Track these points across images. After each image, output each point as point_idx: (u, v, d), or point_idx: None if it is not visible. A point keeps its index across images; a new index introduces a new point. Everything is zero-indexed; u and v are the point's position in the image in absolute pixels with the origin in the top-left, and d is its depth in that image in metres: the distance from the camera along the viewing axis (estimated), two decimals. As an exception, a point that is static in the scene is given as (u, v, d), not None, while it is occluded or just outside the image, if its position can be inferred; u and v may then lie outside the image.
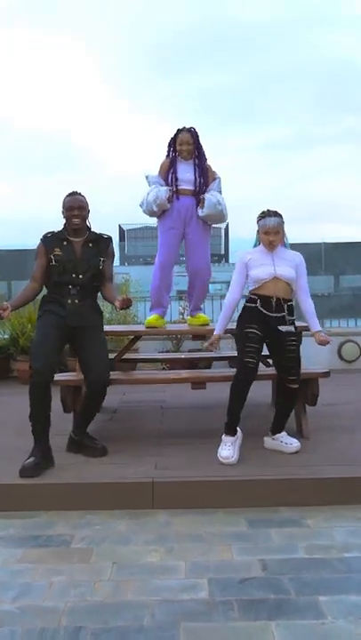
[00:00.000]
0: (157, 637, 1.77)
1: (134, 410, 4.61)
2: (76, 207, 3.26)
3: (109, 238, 3.43)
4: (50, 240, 3.30)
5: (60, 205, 3.34)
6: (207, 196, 3.75)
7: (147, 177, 3.94)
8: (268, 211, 3.24)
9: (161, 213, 3.84)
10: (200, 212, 3.77)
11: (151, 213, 3.87)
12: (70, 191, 3.35)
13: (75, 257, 3.25)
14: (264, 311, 3.18)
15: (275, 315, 3.18)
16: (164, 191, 3.76)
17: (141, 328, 3.96)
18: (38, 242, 3.34)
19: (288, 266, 3.22)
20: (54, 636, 1.78)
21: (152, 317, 3.90)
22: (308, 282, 3.37)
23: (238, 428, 3.16)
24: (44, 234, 3.34)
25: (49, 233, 3.34)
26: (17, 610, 1.94)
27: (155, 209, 3.80)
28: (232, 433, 3.14)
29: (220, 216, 3.85)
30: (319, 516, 2.63)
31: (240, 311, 3.32)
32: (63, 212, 3.32)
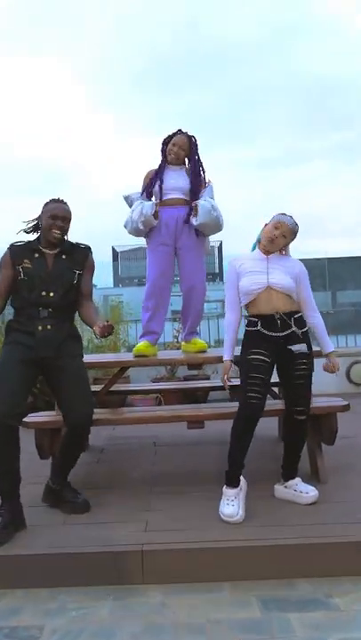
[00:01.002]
0: None
1: (124, 448, 4.09)
2: (60, 217, 2.76)
3: (87, 248, 2.90)
4: (18, 250, 2.78)
5: (40, 211, 2.83)
6: (200, 202, 3.29)
7: (126, 197, 3.48)
8: (289, 214, 2.82)
9: (148, 230, 3.38)
10: (194, 222, 3.29)
11: (137, 232, 3.40)
12: (55, 197, 2.84)
13: (46, 271, 2.75)
14: (268, 333, 2.71)
15: (282, 334, 2.71)
16: (148, 206, 3.30)
17: (130, 357, 3.47)
18: (5, 251, 2.81)
19: (284, 273, 2.74)
20: None
21: (142, 345, 3.41)
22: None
23: (242, 482, 2.65)
24: (11, 243, 2.82)
25: (18, 242, 2.83)
26: None
27: (140, 227, 3.33)
28: (234, 484, 2.63)
29: (217, 224, 3.37)
30: (351, 594, 2.11)
31: (242, 337, 2.84)
32: (41, 219, 2.81)
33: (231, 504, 2.55)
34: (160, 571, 2.26)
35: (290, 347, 2.70)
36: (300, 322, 2.76)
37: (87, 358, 3.19)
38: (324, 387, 5.15)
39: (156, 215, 3.30)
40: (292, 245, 2.90)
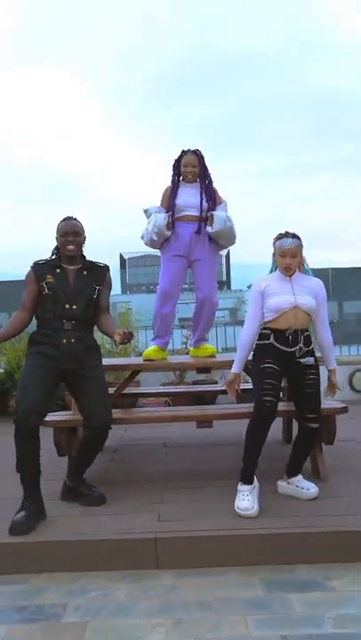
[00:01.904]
0: None
1: (136, 449, 4.31)
2: (70, 232, 2.99)
3: (106, 267, 3.15)
4: (41, 267, 3.01)
5: (55, 231, 3.08)
6: (216, 212, 3.52)
7: (145, 211, 3.70)
8: (286, 232, 2.96)
9: (163, 241, 3.61)
10: (210, 230, 3.50)
11: (152, 243, 3.62)
12: (65, 216, 3.09)
13: (68, 286, 2.98)
14: (279, 346, 2.90)
15: (291, 349, 2.90)
16: (162, 218, 3.53)
17: (141, 361, 3.68)
18: (28, 270, 3.06)
19: (308, 295, 2.93)
20: None
21: (151, 349, 3.63)
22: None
23: (255, 481, 2.85)
24: (34, 261, 3.07)
25: (41, 260, 3.07)
26: None
27: (155, 238, 3.56)
28: (249, 481, 2.83)
29: (231, 234, 3.59)
30: (346, 577, 2.31)
31: (253, 350, 3.02)
32: (57, 238, 3.05)
33: (247, 499, 2.75)
34: (172, 557, 2.47)
35: (299, 359, 2.89)
36: (307, 340, 2.96)
37: (103, 362, 3.41)
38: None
39: (168, 226, 3.53)
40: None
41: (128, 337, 2.86)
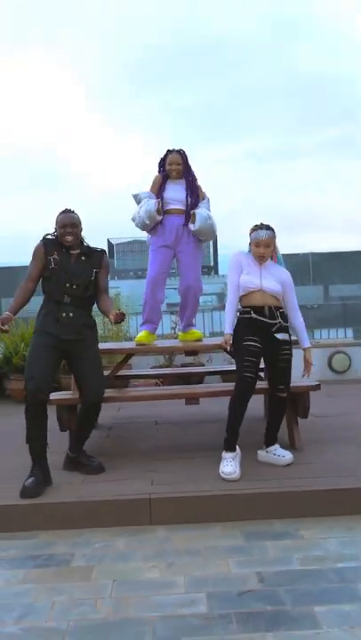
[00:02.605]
0: (159, 652, 1.82)
1: (129, 426, 4.66)
2: (68, 224, 3.30)
3: (103, 251, 3.47)
4: (50, 242, 3.32)
5: (54, 222, 3.35)
6: (198, 210, 3.84)
7: (135, 195, 4.01)
8: (260, 224, 3.32)
9: (152, 230, 3.92)
10: (192, 227, 3.84)
11: (143, 227, 3.94)
12: (63, 209, 3.38)
13: (70, 267, 3.29)
14: (259, 317, 3.25)
15: (270, 321, 3.25)
16: (153, 203, 3.85)
17: (133, 345, 4.02)
18: (38, 243, 3.33)
19: (275, 280, 3.31)
20: (58, 655, 1.83)
21: (142, 334, 3.97)
22: (297, 292, 3.49)
23: (238, 449, 3.22)
24: (44, 235, 3.36)
25: (49, 234, 3.36)
26: (20, 631, 1.98)
27: (147, 222, 3.87)
28: (232, 449, 3.20)
29: (211, 231, 3.94)
30: (313, 528, 2.69)
31: (235, 324, 3.38)
32: (56, 230, 3.34)
33: (230, 464, 3.12)
34: (164, 515, 2.83)
35: (276, 335, 3.26)
36: (284, 316, 3.34)
37: (101, 346, 3.73)
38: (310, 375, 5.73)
39: (159, 211, 3.85)
40: (289, 242, 3.50)
41: (121, 317, 3.22)
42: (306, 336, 3.45)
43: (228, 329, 3.34)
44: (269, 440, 3.38)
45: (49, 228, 3.40)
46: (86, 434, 3.41)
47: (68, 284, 3.26)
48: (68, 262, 3.30)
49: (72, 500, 2.89)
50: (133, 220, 3.99)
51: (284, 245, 3.55)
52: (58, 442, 3.63)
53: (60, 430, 3.63)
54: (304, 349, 3.41)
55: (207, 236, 3.99)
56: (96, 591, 2.22)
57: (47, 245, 3.32)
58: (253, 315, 3.26)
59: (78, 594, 2.20)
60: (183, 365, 6.21)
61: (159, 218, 3.86)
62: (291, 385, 3.48)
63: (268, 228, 3.30)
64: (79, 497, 2.93)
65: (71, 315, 3.26)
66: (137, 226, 3.98)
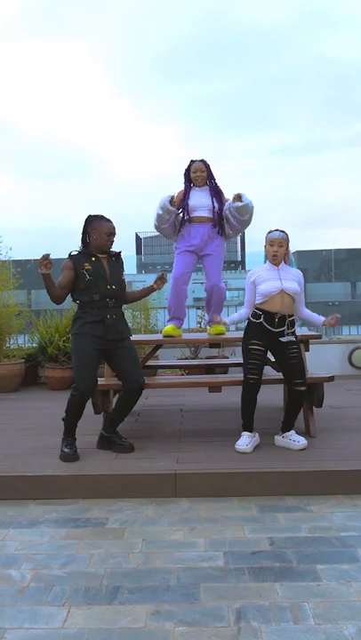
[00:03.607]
0: (182, 594, 2.16)
1: (156, 413, 5.02)
2: (114, 234, 3.64)
3: (120, 252, 3.78)
4: (77, 257, 3.60)
5: (86, 223, 3.61)
6: (242, 193, 4.10)
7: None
8: (276, 229, 3.67)
9: (177, 236, 4.23)
10: (239, 204, 4.02)
11: (160, 221, 4.19)
12: (102, 215, 3.64)
13: (105, 271, 3.60)
14: (267, 326, 3.58)
15: (276, 330, 3.58)
16: (166, 198, 4.16)
17: (162, 338, 4.36)
18: (66, 259, 3.61)
19: (293, 280, 3.62)
20: (97, 594, 2.19)
21: (169, 327, 4.28)
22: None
23: (256, 433, 3.59)
24: (70, 252, 3.63)
25: (74, 251, 3.64)
26: (65, 574, 2.34)
27: (160, 212, 4.15)
28: (249, 430, 3.59)
29: (251, 213, 4.17)
30: (322, 504, 3.00)
31: (246, 324, 3.73)
32: (94, 234, 3.59)
33: (245, 439, 3.54)
34: (188, 488, 3.17)
35: (280, 339, 3.60)
36: (292, 323, 3.65)
37: (133, 338, 4.08)
38: (329, 368, 6.00)
39: (172, 203, 4.15)
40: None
41: (163, 280, 3.69)
42: (316, 315, 3.79)
43: (228, 320, 3.79)
44: (286, 426, 3.68)
45: (78, 218, 3.70)
46: (122, 418, 3.75)
47: (108, 287, 3.58)
48: (103, 267, 3.61)
49: (106, 473, 3.25)
50: (155, 224, 4.31)
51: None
52: (88, 424, 4.02)
53: (95, 413, 4.01)
54: (325, 322, 3.72)
55: (245, 218, 4.17)
56: (128, 547, 2.57)
57: (75, 260, 3.58)
58: (263, 321, 3.59)
59: (113, 549, 2.56)
60: (208, 358, 6.53)
61: (172, 208, 4.15)
62: (307, 377, 3.78)
63: (282, 231, 3.66)
64: (113, 470, 3.29)
65: (114, 316, 3.59)
66: (156, 228, 4.29)
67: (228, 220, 4.20)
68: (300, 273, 3.78)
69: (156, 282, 3.72)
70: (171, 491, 3.18)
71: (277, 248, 3.61)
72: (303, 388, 3.61)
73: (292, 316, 3.66)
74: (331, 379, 3.90)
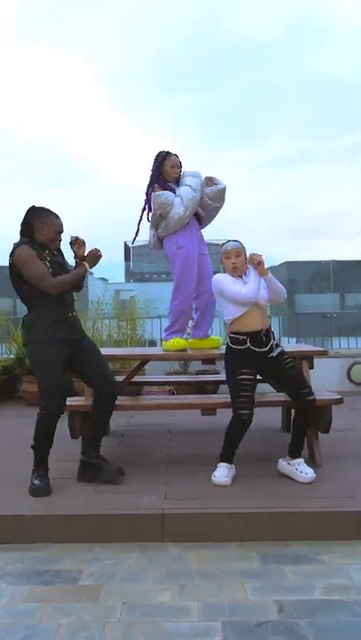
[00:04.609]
0: None
1: (142, 434, 4.54)
2: (62, 232, 3.18)
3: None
4: (34, 245, 3.06)
5: (31, 215, 3.09)
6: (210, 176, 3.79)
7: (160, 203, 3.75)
8: (227, 240, 3.32)
9: (179, 237, 3.74)
10: (216, 188, 3.74)
11: (181, 218, 3.70)
12: (49, 209, 3.14)
13: (58, 264, 3.12)
14: (256, 350, 3.17)
15: (266, 349, 3.19)
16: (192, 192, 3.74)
17: (151, 352, 3.91)
18: (22, 247, 3.01)
19: (261, 287, 3.24)
20: None
21: (174, 341, 3.76)
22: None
23: (234, 466, 3.22)
24: (22, 240, 3.08)
25: (25, 239, 3.09)
26: (24, 654, 1.86)
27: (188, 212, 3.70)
28: (229, 461, 3.21)
29: (223, 200, 3.86)
30: (335, 553, 2.54)
31: (225, 353, 3.30)
32: (43, 229, 3.07)
33: (223, 470, 3.15)
34: (177, 531, 2.70)
35: (270, 355, 3.18)
36: (272, 334, 3.28)
37: (114, 352, 3.64)
38: (327, 386, 5.56)
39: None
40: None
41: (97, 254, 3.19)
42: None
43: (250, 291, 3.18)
44: (294, 452, 3.23)
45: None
46: (100, 433, 3.28)
47: None
48: (58, 259, 3.15)
49: (82, 513, 2.77)
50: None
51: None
52: (67, 448, 3.54)
53: (72, 437, 3.53)
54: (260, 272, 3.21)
55: (222, 202, 3.86)
56: (105, 614, 2.10)
57: (34, 248, 3.06)
58: (250, 345, 3.17)
59: (86, 616, 2.08)
60: (198, 373, 6.07)
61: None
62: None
63: (235, 241, 3.30)
64: (89, 509, 2.81)
65: (74, 313, 3.21)
66: (173, 221, 3.73)
67: (204, 206, 3.83)
68: (253, 270, 3.28)
69: (74, 250, 3.17)
70: (157, 534, 2.71)
71: (235, 259, 3.24)
72: (313, 397, 3.19)
73: (270, 325, 3.31)
74: (340, 401, 3.46)
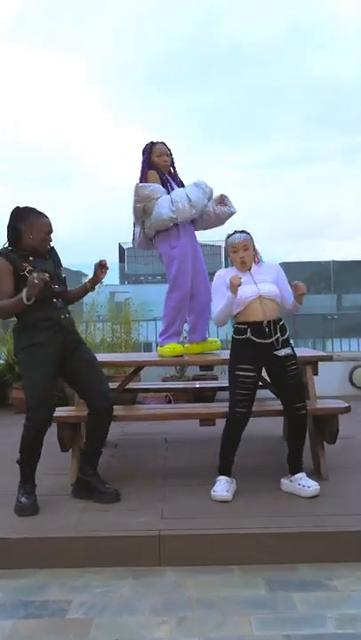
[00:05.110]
0: None
1: (137, 444, 4.33)
2: (52, 231, 2.98)
3: (54, 247, 3.08)
4: (14, 258, 2.85)
5: (16, 218, 2.90)
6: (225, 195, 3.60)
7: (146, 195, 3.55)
8: (234, 231, 3.10)
9: (173, 237, 3.52)
10: (229, 210, 3.57)
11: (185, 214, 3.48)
12: (35, 209, 2.93)
13: (47, 269, 2.89)
14: (256, 340, 2.95)
15: (268, 341, 2.94)
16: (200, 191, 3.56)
17: (145, 358, 3.70)
18: None
19: (270, 282, 3.03)
20: None
21: (169, 347, 3.55)
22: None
23: (234, 479, 3.02)
24: (2, 248, 2.89)
25: (3, 249, 2.90)
26: None
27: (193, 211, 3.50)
28: (228, 473, 3.00)
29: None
30: (347, 577, 2.34)
31: (230, 344, 3.08)
32: (31, 232, 2.86)
33: (223, 484, 2.93)
34: (175, 554, 2.49)
35: (276, 352, 2.94)
36: (283, 329, 3.01)
37: (107, 358, 3.43)
38: (328, 390, 5.36)
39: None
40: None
41: (105, 266, 3.04)
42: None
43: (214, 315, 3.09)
44: (294, 467, 3.03)
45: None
46: (97, 450, 3.06)
47: (53, 286, 2.90)
48: (43, 265, 2.91)
49: (71, 535, 2.56)
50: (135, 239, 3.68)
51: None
52: (58, 458, 3.34)
53: (62, 451, 3.31)
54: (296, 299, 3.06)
55: (223, 223, 3.70)
56: (94, 654, 1.88)
57: (13, 261, 2.83)
58: (250, 335, 2.95)
59: (74, 657, 1.87)
60: (195, 378, 5.86)
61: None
62: (317, 407, 3.15)
63: (243, 232, 3.07)
64: (79, 531, 2.60)
65: (68, 315, 3.00)
66: (152, 226, 3.56)
67: (205, 215, 3.61)
68: (274, 266, 3.16)
69: (97, 272, 3.05)
70: (153, 558, 2.50)
71: (243, 252, 3.02)
72: (304, 412, 2.99)
73: (281, 320, 3.03)
74: (347, 409, 3.25)
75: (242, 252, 3.02)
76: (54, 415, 3.17)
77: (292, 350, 3.03)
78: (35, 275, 2.69)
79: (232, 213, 3.62)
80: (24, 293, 2.71)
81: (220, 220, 3.65)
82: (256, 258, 3.10)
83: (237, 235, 3.05)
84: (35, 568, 2.48)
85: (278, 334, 2.97)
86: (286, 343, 3.01)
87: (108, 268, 3.06)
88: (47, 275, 2.74)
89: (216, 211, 3.57)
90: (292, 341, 3.12)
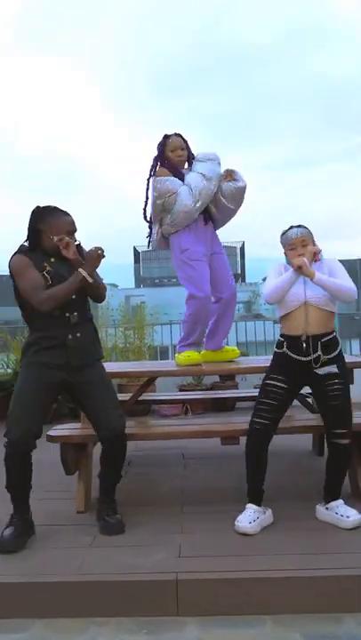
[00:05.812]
0: None
1: (151, 461, 3.96)
2: (75, 230, 2.66)
3: (80, 244, 2.73)
4: (34, 255, 2.58)
5: (36, 219, 2.60)
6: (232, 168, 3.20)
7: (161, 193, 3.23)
8: (290, 226, 2.69)
9: (187, 236, 3.16)
10: (237, 184, 3.17)
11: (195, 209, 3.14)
12: (59, 208, 2.64)
13: (66, 273, 2.57)
14: (293, 355, 2.58)
15: (305, 359, 2.57)
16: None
17: (159, 367, 3.33)
18: (15, 257, 2.58)
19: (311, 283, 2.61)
20: None
21: (185, 355, 3.18)
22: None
23: (269, 509, 2.61)
24: (21, 247, 2.61)
25: (24, 247, 2.62)
26: None
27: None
28: (256, 502, 2.60)
29: (240, 202, 3.27)
30: None
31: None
32: (51, 232, 2.57)
33: (249, 514, 2.55)
34: (196, 602, 2.12)
35: (316, 370, 2.58)
36: (329, 346, 2.61)
37: (118, 368, 3.08)
38: (358, 395, 4.94)
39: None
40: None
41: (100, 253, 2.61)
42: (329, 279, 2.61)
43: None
44: (331, 494, 2.63)
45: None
46: (110, 482, 2.71)
47: (73, 296, 2.57)
48: (64, 269, 2.58)
49: (73, 580, 2.19)
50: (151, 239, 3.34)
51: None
52: (64, 479, 3.00)
53: (66, 474, 2.96)
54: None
55: (239, 202, 3.27)
56: None
57: (33, 258, 2.57)
58: (286, 349, 2.61)
59: None
60: (214, 386, 5.48)
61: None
62: (355, 420, 2.75)
63: (300, 226, 2.67)
64: (83, 573, 2.23)
65: (78, 335, 2.60)
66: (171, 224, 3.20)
67: (218, 204, 3.21)
68: (329, 261, 2.72)
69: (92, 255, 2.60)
70: (170, 606, 2.12)
71: (302, 249, 2.62)
72: (346, 441, 2.60)
73: (331, 334, 2.62)
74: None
75: (300, 249, 2.62)
76: (55, 435, 2.85)
77: (339, 369, 2.61)
78: (94, 247, 2.54)
79: (242, 187, 3.20)
80: (83, 270, 2.50)
81: (234, 199, 3.21)
82: (317, 256, 2.69)
83: (294, 230, 2.65)
84: (33, 618, 2.13)
85: (319, 352, 2.57)
86: (332, 361, 2.60)
87: (69, 242, 2.57)
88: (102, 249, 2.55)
89: (223, 187, 3.15)
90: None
